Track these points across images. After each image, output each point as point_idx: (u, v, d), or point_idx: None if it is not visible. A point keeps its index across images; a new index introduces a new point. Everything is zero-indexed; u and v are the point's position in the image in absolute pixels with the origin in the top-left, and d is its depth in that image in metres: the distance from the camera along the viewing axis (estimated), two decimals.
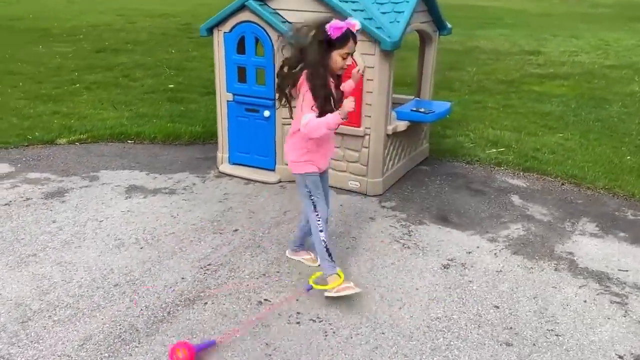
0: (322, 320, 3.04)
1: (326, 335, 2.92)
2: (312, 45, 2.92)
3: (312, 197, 3.18)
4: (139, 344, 2.80)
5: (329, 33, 2.87)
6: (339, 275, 3.17)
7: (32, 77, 8.75)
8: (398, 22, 4.35)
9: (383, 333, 2.96)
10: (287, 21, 4.54)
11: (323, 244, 3.18)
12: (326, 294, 3.14)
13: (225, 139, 5.10)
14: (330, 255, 3.19)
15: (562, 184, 5.08)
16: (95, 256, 3.59)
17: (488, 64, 10.88)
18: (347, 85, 3.31)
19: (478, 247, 3.92)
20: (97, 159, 5.33)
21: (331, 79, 3.04)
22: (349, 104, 2.91)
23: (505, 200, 4.71)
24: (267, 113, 4.76)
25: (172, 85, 8.46)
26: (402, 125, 4.73)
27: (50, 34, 13.38)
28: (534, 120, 7.05)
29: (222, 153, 5.16)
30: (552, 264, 3.73)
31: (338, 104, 3.05)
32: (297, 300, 3.21)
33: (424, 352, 2.84)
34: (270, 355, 2.76)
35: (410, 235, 4.03)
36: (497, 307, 3.23)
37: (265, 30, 4.54)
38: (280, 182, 4.87)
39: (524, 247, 3.93)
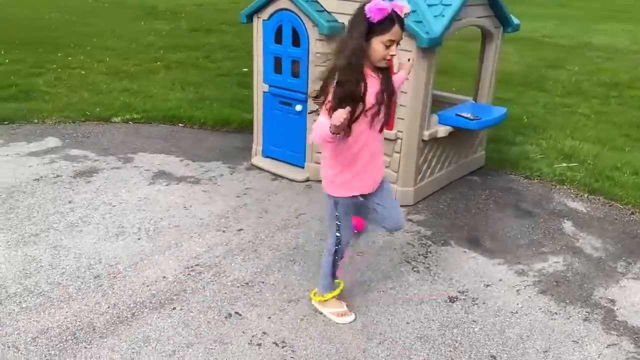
0: (285, 346, 2.77)
1: None
2: (349, 30, 2.45)
3: (338, 224, 2.80)
4: (88, 345, 2.70)
5: (368, 16, 2.36)
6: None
7: (121, 53, 9.11)
8: (443, 16, 3.88)
9: None
10: (325, 10, 4.23)
11: (328, 269, 2.93)
12: (318, 305, 3.01)
13: (260, 131, 4.91)
14: (334, 275, 2.97)
15: (632, 214, 4.36)
16: (91, 243, 3.56)
17: (595, 63, 9.79)
18: (397, 78, 2.78)
19: (501, 279, 3.43)
20: (141, 140, 5.37)
21: (373, 73, 2.51)
22: (337, 115, 2.30)
23: (554, 226, 4.11)
24: (299, 107, 4.50)
25: (246, 69, 8.42)
26: (443, 131, 4.27)
27: (156, 11, 13.96)
28: (626, 133, 6.18)
29: (257, 145, 4.98)
30: (583, 311, 3.16)
31: (388, 103, 2.58)
32: (268, 318, 2.96)
33: None
34: None
35: (425, 257, 3.62)
36: (494, 358, 2.77)
37: (301, 19, 4.27)
38: (308, 180, 4.61)
39: (555, 286, 3.38)
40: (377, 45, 2.42)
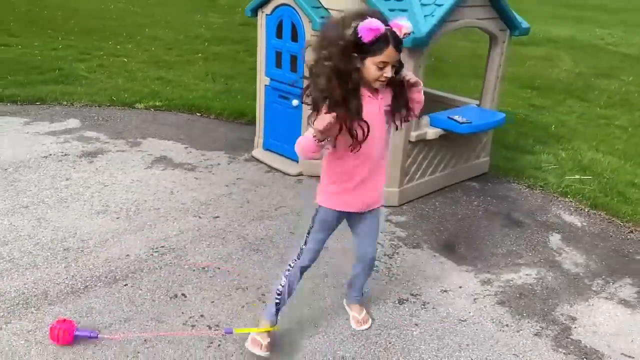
0: (218, 330, 2.84)
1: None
2: (339, 46, 2.23)
3: (307, 236, 2.61)
4: (36, 310, 2.88)
5: (359, 35, 2.22)
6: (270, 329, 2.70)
7: (167, 44, 9.47)
8: (432, 16, 3.82)
9: None
10: (322, 6, 4.26)
11: (277, 294, 2.65)
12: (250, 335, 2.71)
13: (261, 124, 5.00)
14: (277, 311, 2.69)
15: (631, 232, 4.12)
16: (73, 218, 3.77)
17: None
18: (415, 99, 2.50)
19: (461, 287, 3.35)
20: (155, 127, 5.60)
21: (369, 93, 2.36)
22: (320, 120, 2.21)
23: (540, 238, 3.96)
24: (295, 102, 4.55)
25: None
26: (432, 133, 4.20)
27: (216, 4, 14.37)
28: None
29: (258, 137, 5.08)
30: (537, 326, 3.05)
31: (403, 114, 2.46)
32: (211, 302, 3.04)
33: None
34: None
35: (390, 258, 3.59)
36: None
37: (299, 15, 4.32)
38: (301, 175, 4.66)
39: (517, 299, 3.27)
40: (370, 66, 2.27)
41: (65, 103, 6.10)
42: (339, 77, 2.23)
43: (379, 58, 2.26)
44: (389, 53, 2.25)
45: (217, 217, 3.93)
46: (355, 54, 2.26)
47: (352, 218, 2.66)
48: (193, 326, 2.85)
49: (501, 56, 4.55)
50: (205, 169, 4.70)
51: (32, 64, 7.45)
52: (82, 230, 3.64)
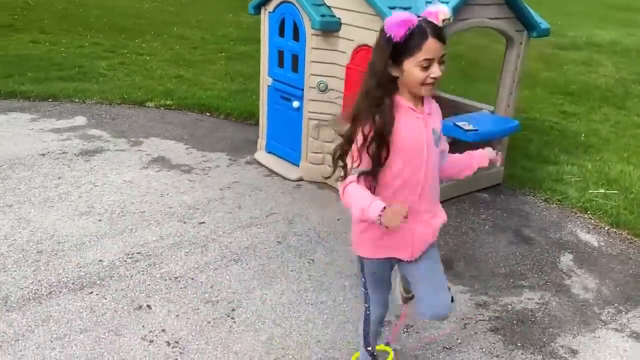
0: (176, 347, 2.65)
1: None
2: (372, 54, 1.95)
3: (366, 292, 2.27)
4: None
5: (388, 34, 1.84)
6: None
7: (193, 43, 9.40)
8: None
9: None
10: (323, 4, 4.04)
11: (361, 335, 2.38)
12: None
13: (264, 126, 4.81)
14: (372, 355, 2.42)
15: None
16: (54, 219, 3.66)
17: None
18: (476, 159, 2.27)
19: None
20: (160, 126, 5.48)
21: (410, 104, 1.97)
22: (392, 213, 1.79)
23: (550, 258, 3.62)
24: (296, 104, 4.34)
25: None
26: None
27: (247, 4, 14.28)
28: None
29: (261, 139, 4.89)
30: (531, 358, 2.73)
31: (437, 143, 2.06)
32: (176, 316, 2.86)
33: None
34: None
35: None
36: None
37: (300, 13, 4.10)
38: (301, 180, 4.44)
39: (514, 326, 2.96)
40: (411, 68, 1.87)
41: (77, 100, 6.06)
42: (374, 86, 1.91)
43: (420, 55, 1.84)
44: (430, 46, 1.83)
45: (203, 222, 3.75)
46: (390, 61, 1.88)
47: (403, 264, 2.18)
48: (151, 341, 2.67)
49: (518, 59, 4.22)
50: (201, 171, 4.54)
51: (54, 61, 7.47)
52: (61, 233, 3.52)
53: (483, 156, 2.28)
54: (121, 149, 4.85)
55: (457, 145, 3.96)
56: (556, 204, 4.36)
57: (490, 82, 7.43)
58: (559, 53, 10.42)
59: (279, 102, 4.55)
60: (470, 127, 3.84)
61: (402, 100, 1.96)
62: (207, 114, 5.98)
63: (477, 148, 2.37)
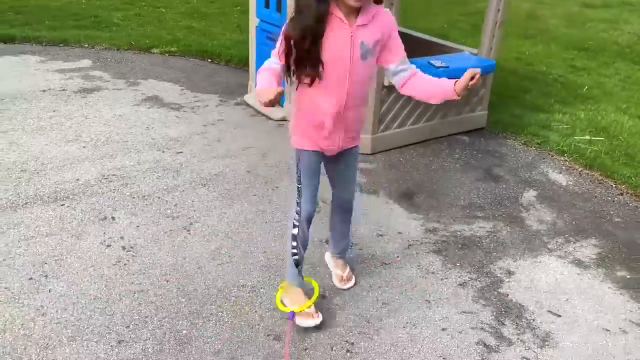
0: (130, 251, 2.87)
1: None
2: None
3: (299, 186, 2.32)
4: None
5: None
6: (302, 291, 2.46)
7: None
8: None
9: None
10: None
11: (293, 254, 2.39)
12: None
13: (253, 67, 4.94)
14: (297, 265, 2.42)
15: (621, 194, 3.74)
16: (43, 145, 3.92)
17: None
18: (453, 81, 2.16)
19: (400, 232, 3.18)
20: (160, 70, 5.68)
21: (342, 16, 2.03)
22: (261, 94, 1.95)
23: (513, 194, 3.68)
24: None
25: None
26: None
27: None
28: None
29: (251, 81, 5.03)
30: (466, 277, 2.85)
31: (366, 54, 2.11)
32: (137, 227, 3.07)
33: None
34: None
35: None
36: (324, 297, 2.62)
37: None
38: (284, 120, 4.57)
39: (457, 249, 3.07)
40: None
41: (86, 46, 6.31)
42: None
43: None
44: None
45: (181, 152, 3.95)
46: None
47: (327, 160, 2.36)
48: (109, 246, 2.90)
49: (499, 0, 4.20)
50: (190, 109, 4.72)
51: (73, 11, 7.74)
52: (46, 156, 3.77)
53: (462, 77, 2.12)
54: (118, 88, 5.08)
55: None
56: (535, 146, 4.38)
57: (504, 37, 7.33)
58: (585, 11, 10.12)
59: (266, 42, 4.66)
60: (442, 64, 3.88)
61: (336, 11, 2.03)
62: (209, 60, 6.14)
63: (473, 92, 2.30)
